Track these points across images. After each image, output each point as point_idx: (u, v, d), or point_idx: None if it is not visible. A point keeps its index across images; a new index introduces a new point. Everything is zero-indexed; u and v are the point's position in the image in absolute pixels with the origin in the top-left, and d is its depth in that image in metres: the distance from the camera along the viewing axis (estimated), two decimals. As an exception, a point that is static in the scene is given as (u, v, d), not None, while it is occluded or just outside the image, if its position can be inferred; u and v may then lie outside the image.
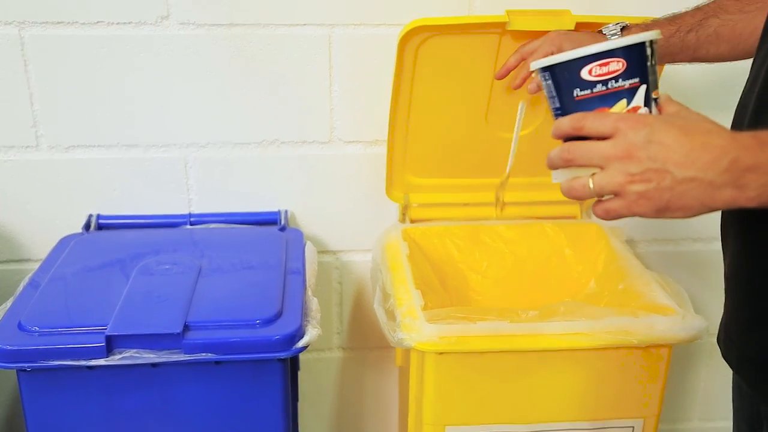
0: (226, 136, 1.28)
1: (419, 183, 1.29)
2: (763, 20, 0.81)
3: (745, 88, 0.81)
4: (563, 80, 0.68)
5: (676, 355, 1.05)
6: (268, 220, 1.31)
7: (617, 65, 0.66)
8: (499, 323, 1.01)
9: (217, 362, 0.98)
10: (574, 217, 1.34)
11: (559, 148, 0.68)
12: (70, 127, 1.25)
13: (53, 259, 1.16)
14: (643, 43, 0.67)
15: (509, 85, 1.14)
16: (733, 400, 0.96)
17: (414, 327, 1.01)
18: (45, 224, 1.29)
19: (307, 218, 1.34)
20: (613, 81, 0.67)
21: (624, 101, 0.67)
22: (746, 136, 0.63)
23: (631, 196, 0.64)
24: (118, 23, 1.19)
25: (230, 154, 1.29)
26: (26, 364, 0.95)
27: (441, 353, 1.02)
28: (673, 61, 1.03)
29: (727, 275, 0.84)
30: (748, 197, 0.62)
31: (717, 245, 1.41)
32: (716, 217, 1.40)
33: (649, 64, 0.68)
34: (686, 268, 1.40)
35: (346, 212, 1.35)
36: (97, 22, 1.19)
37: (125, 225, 1.29)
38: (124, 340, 0.95)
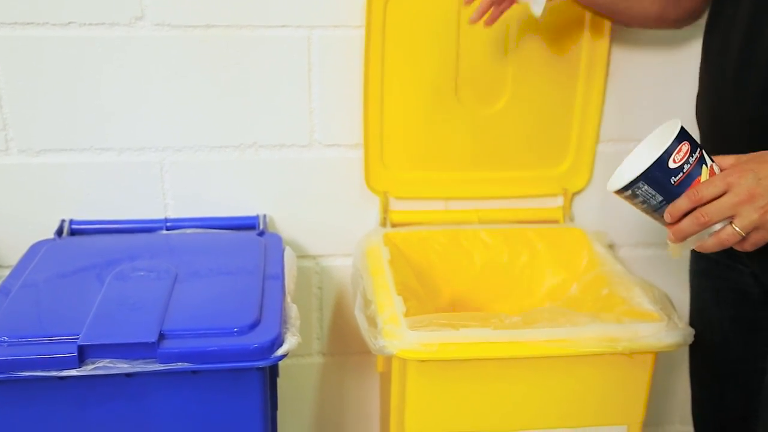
0: (202, 140, 1.26)
1: (398, 176, 1.28)
2: None
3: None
4: (660, 177, 0.80)
5: (657, 359, 1.04)
6: (247, 224, 1.28)
7: (686, 146, 0.80)
8: (482, 330, 0.99)
9: (193, 372, 0.95)
10: (556, 222, 1.33)
11: (691, 217, 0.79)
12: (41, 130, 1.22)
13: (24, 266, 1.13)
14: (682, 127, 0.81)
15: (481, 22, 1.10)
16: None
17: (396, 334, 1.00)
18: (16, 230, 1.26)
19: (286, 223, 1.32)
20: (690, 156, 0.80)
21: (704, 167, 0.80)
22: None
23: None
24: (90, 24, 1.16)
25: (207, 157, 1.27)
26: (-5, 376, 0.91)
27: (423, 361, 1.00)
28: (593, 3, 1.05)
29: None
30: None
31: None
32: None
33: (692, 137, 0.82)
34: (669, 273, 1.40)
35: (326, 217, 1.33)
36: (69, 23, 1.16)
37: (99, 230, 1.26)
38: (96, 349, 0.92)
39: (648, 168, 0.80)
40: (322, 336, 1.41)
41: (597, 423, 1.07)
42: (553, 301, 1.26)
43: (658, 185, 0.81)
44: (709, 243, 0.80)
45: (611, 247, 1.34)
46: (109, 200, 1.27)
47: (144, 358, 0.93)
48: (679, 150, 0.80)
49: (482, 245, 1.30)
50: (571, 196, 1.33)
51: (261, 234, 1.26)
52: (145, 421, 0.99)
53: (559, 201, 1.33)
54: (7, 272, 1.14)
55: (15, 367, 0.91)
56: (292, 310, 1.04)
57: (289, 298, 1.08)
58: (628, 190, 0.82)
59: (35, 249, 1.19)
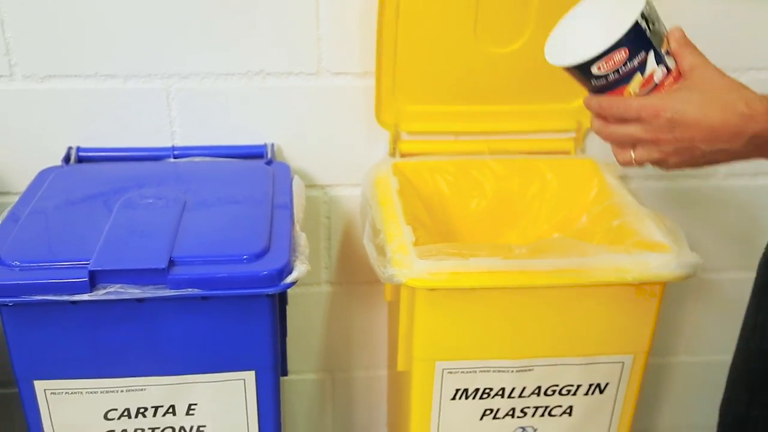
0: (209, 67, 1.23)
1: (409, 109, 1.25)
2: None
3: None
4: (578, 76, 0.75)
5: (665, 290, 1.04)
6: (254, 153, 1.27)
7: (621, 55, 0.71)
8: (492, 260, 0.99)
9: (203, 298, 0.96)
10: (567, 153, 1.31)
11: (598, 122, 0.78)
12: (45, 55, 1.19)
13: (32, 193, 1.13)
14: (636, 23, 0.70)
15: None
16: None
17: (405, 263, 1.00)
18: (23, 156, 1.25)
19: (294, 152, 1.31)
20: (623, 66, 0.72)
21: (638, 75, 0.73)
22: (762, 105, 0.70)
23: (671, 165, 0.75)
24: (93, -57, 1.13)
25: (214, 85, 1.25)
26: (8, 299, 0.92)
27: (432, 289, 1.01)
28: None
29: None
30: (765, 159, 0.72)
31: (712, 181, 1.41)
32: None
33: (648, 33, 0.71)
34: (681, 205, 1.39)
35: (335, 146, 1.31)
36: (72, -58, 1.13)
37: (106, 158, 1.25)
38: (107, 275, 0.93)
39: (567, 66, 0.74)
40: (330, 265, 1.42)
41: (603, 352, 1.08)
42: (563, 232, 1.25)
43: (578, 80, 0.77)
44: (613, 152, 0.80)
45: (623, 178, 1.33)
46: (115, 128, 1.25)
47: (154, 284, 0.93)
48: (610, 59, 0.72)
49: (492, 175, 1.28)
50: (585, 131, 1.31)
51: (269, 163, 1.25)
52: (156, 345, 1.00)
53: (572, 134, 1.31)
54: (15, 198, 1.13)
55: (28, 291, 0.91)
56: (301, 239, 1.04)
57: (298, 227, 1.08)
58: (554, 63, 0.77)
59: (43, 176, 1.18)
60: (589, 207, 1.24)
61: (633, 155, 0.76)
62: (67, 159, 1.23)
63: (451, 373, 1.08)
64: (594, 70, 0.73)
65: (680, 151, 0.73)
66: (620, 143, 0.77)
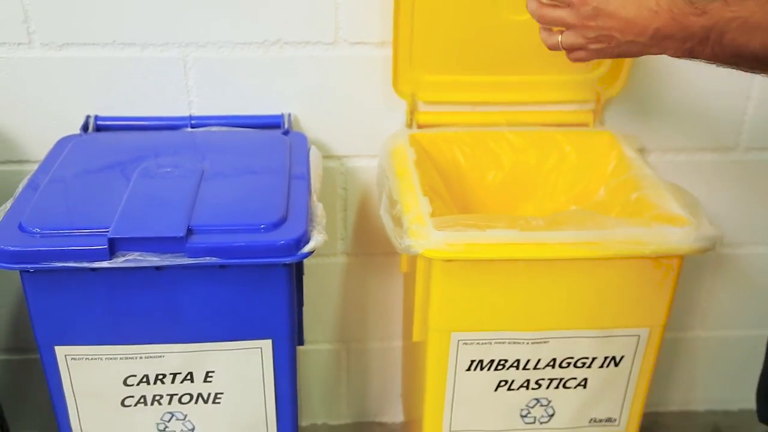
0: (226, 36, 1.23)
1: (426, 79, 1.24)
2: None
3: None
4: None
5: (682, 264, 1.03)
6: (271, 123, 1.27)
7: None
8: (509, 231, 0.99)
9: (221, 266, 0.97)
10: (586, 125, 1.30)
11: (531, 9, 0.88)
12: (63, 23, 1.19)
13: (52, 161, 1.13)
14: None
15: None
16: None
17: (422, 234, 1.00)
18: (42, 124, 1.26)
19: (311, 122, 1.31)
20: None
21: None
22: (680, 3, 0.79)
23: (591, 51, 0.85)
24: None
25: (231, 54, 1.24)
26: (29, 266, 0.93)
27: (449, 260, 1.01)
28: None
29: None
30: (669, 55, 0.82)
31: (732, 155, 1.40)
32: (732, 127, 1.38)
33: None
34: (700, 179, 1.38)
35: (352, 116, 1.31)
36: None
37: (124, 127, 1.26)
38: (127, 242, 0.93)
39: None
40: (346, 236, 1.42)
41: (619, 325, 1.08)
42: (580, 204, 1.25)
43: None
44: (542, 36, 0.89)
45: (641, 151, 1.32)
46: (133, 97, 1.26)
47: (173, 252, 0.94)
48: None
49: (510, 147, 1.28)
50: (604, 102, 1.30)
51: (286, 133, 1.25)
52: (174, 313, 1.01)
53: (591, 105, 1.30)
54: (34, 167, 1.14)
55: (48, 257, 0.92)
56: (318, 209, 1.04)
57: (315, 197, 1.08)
58: None
59: (62, 144, 1.19)
60: (607, 180, 1.23)
61: (560, 39, 0.86)
62: (85, 127, 1.23)
63: (466, 344, 1.08)
64: None
65: (600, 39, 0.83)
66: (550, 25, 0.88)
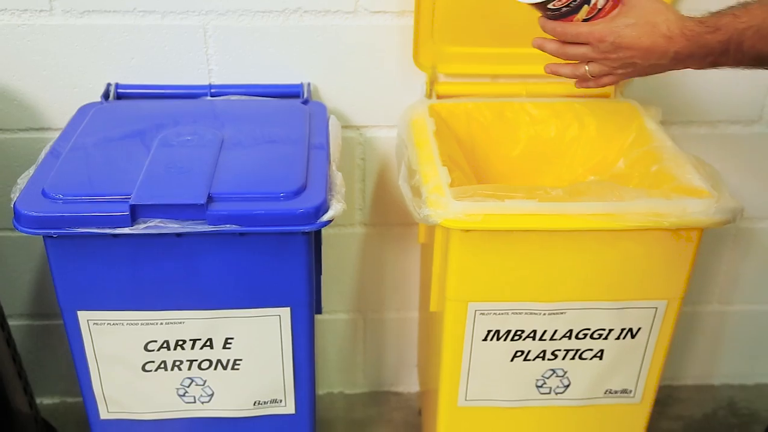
0: (246, 4, 1.22)
1: (447, 51, 1.23)
2: None
3: None
4: (537, 9, 0.91)
5: (702, 237, 1.03)
6: (291, 92, 1.27)
7: None
8: (528, 202, 0.99)
9: (241, 234, 0.98)
10: (606, 96, 1.29)
11: (555, 44, 0.93)
12: (84, -10, 1.20)
13: (73, 128, 1.14)
14: None
15: None
16: None
17: (440, 204, 1.00)
18: (63, 92, 1.26)
19: (330, 92, 1.30)
20: (573, 2, 0.88)
21: (585, 6, 0.89)
22: (691, 24, 0.85)
23: (618, 75, 0.92)
24: None
25: (251, 22, 1.24)
26: (52, 231, 0.95)
27: (467, 230, 1.01)
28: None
29: None
30: (694, 68, 0.88)
31: (755, 128, 1.38)
32: (755, 100, 1.36)
33: None
34: (722, 152, 1.36)
35: (371, 86, 1.30)
36: None
37: (144, 95, 1.26)
38: (148, 209, 0.94)
39: (531, 3, 0.89)
40: (364, 207, 1.42)
41: (637, 297, 1.08)
42: (599, 175, 1.24)
43: (538, 10, 0.92)
44: (564, 71, 0.95)
45: (662, 123, 1.30)
46: (153, 65, 1.26)
47: (193, 219, 0.95)
48: None
49: (529, 118, 1.27)
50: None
51: (305, 102, 1.25)
52: (194, 279, 1.02)
53: (612, 75, 1.28)
54: (56, 134, 1.15)
55: (71, 223, 0.94)
56: (338, 178, 1.05)
57: (334, 166, 1.08)
58: None
59: (83, 112, 1.20)
60: (626, 151, 1.22)
61: (587, 68, 0.92)
62: (106, 95, 1.24)
63: (483, 314, 1.09)
64: (551, 5, 0.89)
65: (625, 66, 0.89)
66: (575, 60, 0.93)
